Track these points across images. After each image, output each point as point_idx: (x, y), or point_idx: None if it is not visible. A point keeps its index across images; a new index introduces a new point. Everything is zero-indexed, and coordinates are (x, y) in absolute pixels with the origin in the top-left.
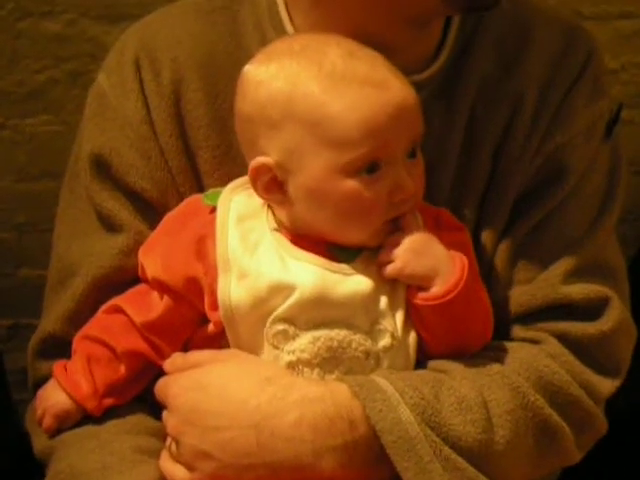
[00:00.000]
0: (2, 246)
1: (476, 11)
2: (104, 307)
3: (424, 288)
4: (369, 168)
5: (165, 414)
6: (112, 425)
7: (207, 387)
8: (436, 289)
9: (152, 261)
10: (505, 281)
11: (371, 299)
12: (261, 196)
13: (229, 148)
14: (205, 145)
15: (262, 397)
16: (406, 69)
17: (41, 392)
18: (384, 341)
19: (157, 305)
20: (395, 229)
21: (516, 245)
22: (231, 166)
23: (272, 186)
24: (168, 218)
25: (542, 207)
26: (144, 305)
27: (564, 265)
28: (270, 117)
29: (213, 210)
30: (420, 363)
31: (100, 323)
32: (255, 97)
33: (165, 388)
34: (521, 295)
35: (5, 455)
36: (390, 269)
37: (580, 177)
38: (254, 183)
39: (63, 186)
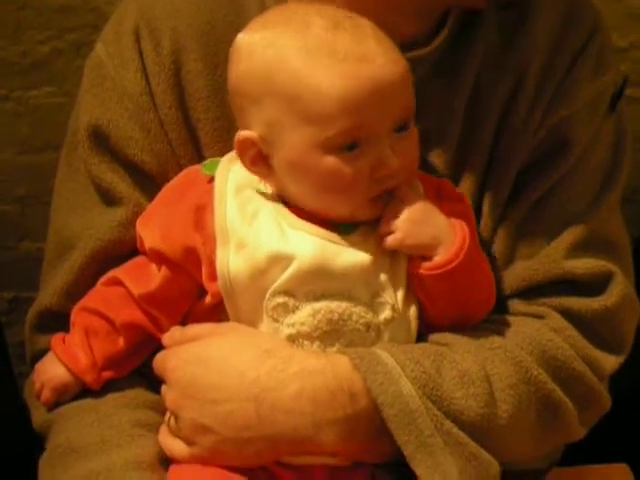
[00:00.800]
0: (4, 219)
1: (500, 7)
2: (102, 279)
3: (426, 258)
4: (349, 145)
5: (164, 388)
6: (111, 399)
7: (206, 360)
8: (439, 258)
9: (150, 232)
10: (507, 255)
11: (371, 271)
12: (249, 169)
13: (228, 120)
14: (205, 117)
15: (261, 369)
16: (409, 43)
17: (39, 365)
18: (385, 313)
19: (155, 277)
20: (391, 200)
21: (519, 219)
22: (231, 138)
23: (258, 159)
24: (166, 189)
25: (545, 180)
26: (142, 277)
27: (567, 239)
28: (252, 91)
29: (211, 180)
30: (422, 336)
31: (98, 295)
32: (239, 69)
33: (163, 362)
34: (524, 270)
35: (6, 428)
36: (391, 240)
37: (584, 150)
38: (241, 157)
39: (61, 158)
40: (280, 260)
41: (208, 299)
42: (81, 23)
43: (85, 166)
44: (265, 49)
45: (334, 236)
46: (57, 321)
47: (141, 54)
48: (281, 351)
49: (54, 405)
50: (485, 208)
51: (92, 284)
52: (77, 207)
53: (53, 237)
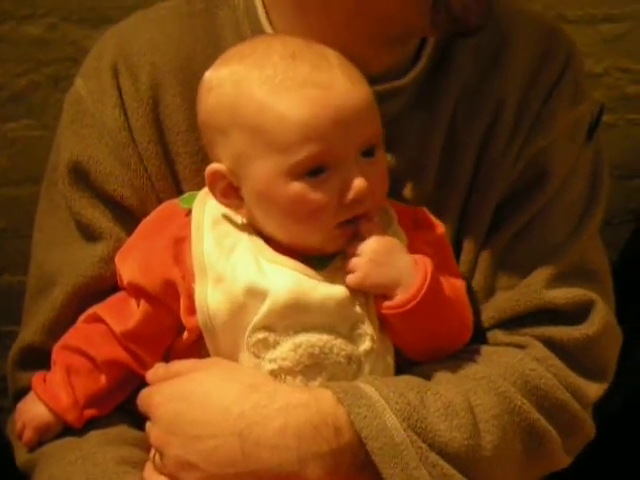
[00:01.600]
0: None
1: (462, 36)
2: (83, 316)
3: (387, 297)
4: (314, 170)
5: (148, 425)
6: (94, 436)
7: (189, 396)
8: (397, 298)
9: (129, 266)
10: (488, 287)
11: (348, 303)
12: (220, 202)
13: (207, 154)
14: (184, 151)
15: (246, 404)
16: (385, 75)
17: (20, 405)
18: (365, 345)
19: (135, 313)
20: (356, 233)
21: (499, 251)
22: None
23: (228, 192)
24: (144, 223)
25: (524, 212)
26: (123, 313)
27: (547, 270)
28: (219, 123)
29: (189, 213)
30: (401, 368)
31: (79, 333)
32: (207, 103)
33: (148, 398)
34: (504, 301)
35: None
36: (351, 279)
37: (562, 181)
38: (212, 189)
39: (41, 193)
40: (257, 295)
41: (186, 335)
42: (59, 56)
43: (65, 202)
44: (229, 82)
45: (309, 270)
46: (39, 358)
47: (120, 90)
48: (265, 386)
49: (36, 445)
50: (465, 240)
51: (74, 320)
52: (58, 242)
53: (34, 272)
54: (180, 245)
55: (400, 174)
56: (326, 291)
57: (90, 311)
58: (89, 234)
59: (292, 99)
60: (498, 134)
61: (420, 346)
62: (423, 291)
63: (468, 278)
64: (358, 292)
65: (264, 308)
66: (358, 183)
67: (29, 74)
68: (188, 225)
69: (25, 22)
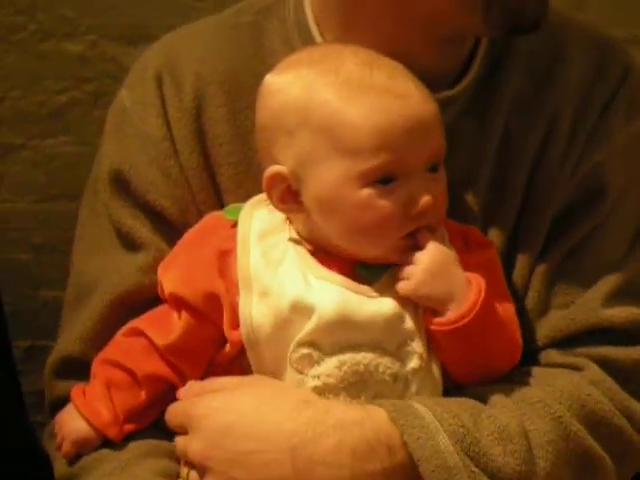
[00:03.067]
0: (21, 267)
1: (517, 34)
2: (123, 330)
3: (438, 313)
4: (384, 179)
5: (184, 438)
6: (132, 448)
7: (239, 409)
8: (449, 314)
9: (171, 277)
10: (542, 305)
11: (396, 320)
12: (276, 206)
13: (250, 165)
14: (226, 162)
15: (299, 420)
16: (436, 84)
17: (59, 417)
18: (412, 363)
19: (176, 326)
20: (414, 246)
21: (553, 268)
22: (252, 184)
23: (287, 196)
24: (188, 235)
25: (580, 228)
26: (164, 327)
27: (604, 288)
28: (285, 124)
29: (234, 225)
30: (449, 390)
31: (119, 346)
32: (271, 105)
33: (188, 409)
34: (560, 319)
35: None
36: (403, 286)
37: (619, 197)
38: (269, 193)
39: (83, 203)
40: (303, 310)
41: (228, 348)
42: (98, 73)
43: (106, 210)
44: (298, 85)
45: (358, 286)
46: (77, 368)
47: (163, 100)
48: (317, 402)
49: (74, 458)
50: (518, 255)
51: (113, 331)
52: (98, 251)
53: (73, 280)
54: (224, 258)
55: (452, 184)
56: (374, 308)
57: (130, 325)
58: (129, 243)
59: (369, 105)
60: (553, 147)
61: (468, 367)
62: (476, 309)
63: (521, 294)
64: (408, 306)
65: (310, 324)
66: (426, 198)
67: (69, 91)
68: (233, 237)
69: (65, 40)
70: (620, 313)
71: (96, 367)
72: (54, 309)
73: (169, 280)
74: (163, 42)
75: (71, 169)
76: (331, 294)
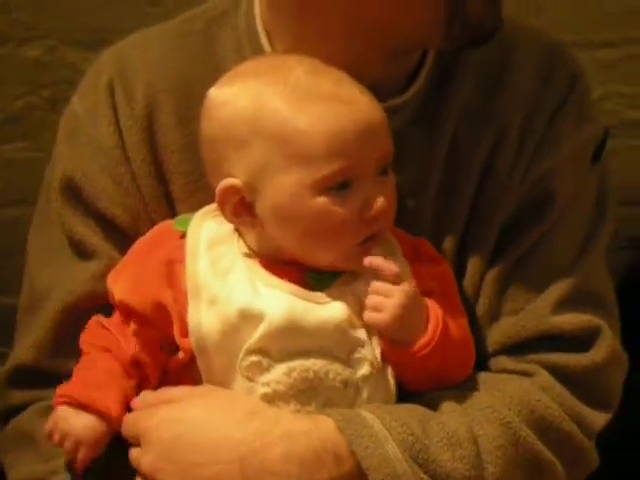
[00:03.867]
0: None
1: (473, 46)
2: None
3: (396, 342)
4: (339, 185)
5: (136, 451)
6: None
7: (189, 420)
8: (412, 345)
9: (120, 285)
10: (493, 312)
11: (346, 327)
12: (230, 220)
13: (202, 175)
14: (178, 171)
15: (247, 430)
16: (384, 92)
17: (57, 423)
18: (363, 370)
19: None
20: (368, 253)
21: (503, 274)
22: (204, 193)
23: (240, 209)
24: (138, 243)
25: (529, 235)
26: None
27: (553, 295)
28: (236, 136)
29: (183, 236)
30: (404, 397)
31: (102, 334)
32: (220, 117)
33: (139, 421)
34: (510, 327)
35: None
36: (375, 318)
37: (567, 204)
38: (222, 206)
39: (35, 211)
40: (251, 318)
41: (181, 354)
42: (56, 79)
43: (58, 218)
44: (247, 97)
45: (307, 293)
46: (31, 376)
47: (115, 108)
48: (266, 412)
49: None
50: (468, 263)
51: (65, 338)
52: (50, 259)
53: (27, 288)
54: (172, 267)
55: (402, 192)
56: (323, 315)
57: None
58: (81, 251)
59: (319, 112)
60: (502, 155)
61: (422, 383)
62: (434, 341)
63: (472, 301)
64: (359, 313)
65: (259, 331)
66: (380, 201)
67: (26, 96)
68: (182, 247)
69: (23, 45)
70: (569, 320)
71: (88, 356)
72: (12, 316)
73: (118, 288)
74: (114, 50)
75: (28, 174)
76: (280, 301)
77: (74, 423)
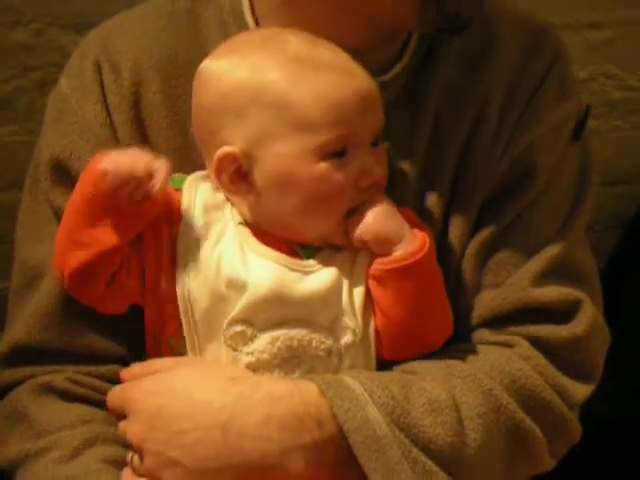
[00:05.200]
0: None
1: (451, 33)
2: None
3: (387, 255)
4: (338, 152)
5: (124, 423)
6: (81, 433)
7: (172, 391)
8: (398, 252)
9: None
10: (474, 285)
11: (331, 296)
12: (226, 188)
13: (189, 150)
14: (165, 147)
15: (228, 397)
16: (369, 70)
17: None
18: (346, 338)
19: None
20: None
21: (484, 248)
22: (191, 168)
23: (237, 177)
24: None
25: (510, 209)
26: None
27: (534, 268)
28: (235, 105)
29: (178, 190)
30: (386, 367)
31: None
32: (218, 87)
33: (125, 393)
34: (491, 299)
35: None
36: (361, 228)
37: (548, 179)
38: (218, 174)
39: (24, 190)
40: (238, 287)
41: (164, 284)
42: (45, 62)
43: (47, 198)
44: (245, 67)
45: (294, 262)
46: (30, 354)
47: (102, 86)
48: (247, 378)
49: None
50: (450, 238)
51: (64, 313)
52: (42, 238)
53: (19, 269)
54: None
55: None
56: (310, 284)
57: None
58: None
59: (322, 80)
60: (483, 132)
61: (406, 329)
62: (424, 250)
63: (454, 276)
64: (344, 283)
65: (243, 301)
66: (374, 168)
67: (15, 80)
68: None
69: (11, 28)
70: (550, 292)
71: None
72: (3, 300)
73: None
74: (101, 29)
75: (18, 158)
76: (266, 270)
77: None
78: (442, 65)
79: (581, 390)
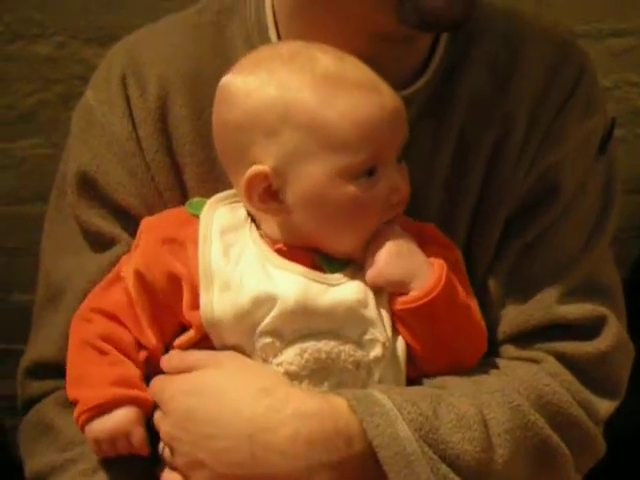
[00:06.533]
0: None
1: (435, 31)
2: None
3: (403, 294)
4: (368, 171)
5: (158, 416)
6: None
7: (203, 392)
8: (413, 293)
9: (134, 260)
10: (499, 302)
11: (358, 308)
12: (256, 206)
13: (214, 164)
14: (190, 161)
15: (258, 408)
16: (392, 84)
17: (93, 435)
18: (375, 351)
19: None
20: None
21: (510, 265)
22: (216, 182)
23: (267, 195)
24: (146, 223)
25: (536, 226)
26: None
27: (559, 285)
28: (266, 124)
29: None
30: (415, 381)
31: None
32: (246, 105)
33: (160, 389)
34: (517, 316)
35: None
36: (370, 272)
37: (573, 195)
38: (249, 193)
39: (50, 203)
40: (265, 301)
41: (191, 333)
42: (68, 74)
43: (73, 211)
44: (273, 85)
45: (319, 275)
46: (53, 370)
47: (128, 100)
48: (278, 390)
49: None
50: (475, 254)
51: None
52: (66, 251)
53: (43, 281)
54: (184, 244)
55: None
56: (335, 296)
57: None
58: (98, 242)
59: (351, 99)
60: (508, 148)
61: (436, 352)
62: (439, 288)
63: (478, 293)
64: (370, 294)
65: (272, 314)
66: (403, 185)
67: (38, 93)
68: (192, 226)
69: (34, 41)
70: (575, 309)
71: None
72: (27, 312)
73: (132, 262)
74: (127, 42)
75: (42, 171)
76: (292, 282)
77: (110, 425)
78: (467, 77)
79: (606, 406)
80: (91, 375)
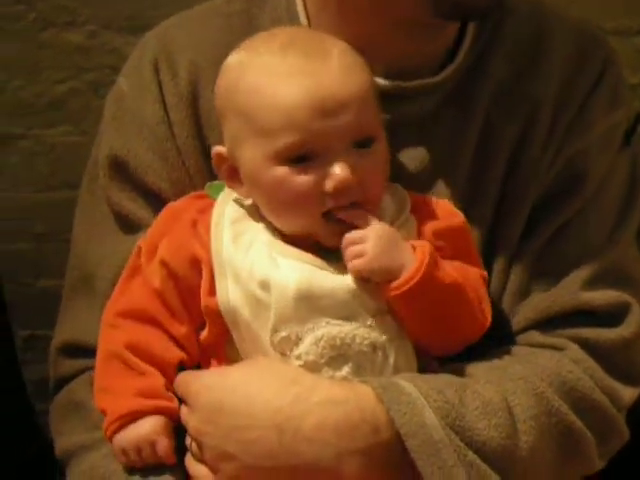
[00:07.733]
0: (21, 256)
1: (468, 20)
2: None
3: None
4: (298, 158)
5: (185, 412)
6: None
7: (231, 386)
8: (399, 279)
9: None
10: (524, 288)
11: (365, 293)
12: (227, 184)
13: None
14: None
15: (286, 398)
16: (420, 71)
17: (122, 443)
18: (387, 332)
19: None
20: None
21: (534, 252)
22: None
23: (231, 174)
24: (168, 209)
25: (561, 214)
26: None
27: (584, 272)
28: (220, 107)
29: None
30: (439, 370)
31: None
32: (216, 88)
33: (186, 385)
34: (540, 302)
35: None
36: (357, 263)
37: (599, 184)
38: (218, 171)
39: (82, 188)
40: (272, 289)
41: (204, 334)
42: (99, 63)
43: (105, 194)
44: (235, 68)
45: (323, 262)
46: (84, 351)
47: (160, 85)
48: (305, 380)
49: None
50: (499, 242)
51: None
52: (98, 235)
53: (74, 264)
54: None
55: (433, 170)
56: (339, 281)
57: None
58: (128, 226)
59: (280, 86)
60: (533, 136)
61: (432, 333)
62: (423, 267)
63: (503, 279)
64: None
65: (275, 302)
66: (339, 173)
67: (69, 81)
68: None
69: (66, 29)
70: (599, 296)
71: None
72: (55, 297)
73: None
74: (158, 30)
75: (71, 159)
76: (296, 271)
77: (135, 435)
78: (493, 66)
79: (629, 393)
80: (117, 387)
